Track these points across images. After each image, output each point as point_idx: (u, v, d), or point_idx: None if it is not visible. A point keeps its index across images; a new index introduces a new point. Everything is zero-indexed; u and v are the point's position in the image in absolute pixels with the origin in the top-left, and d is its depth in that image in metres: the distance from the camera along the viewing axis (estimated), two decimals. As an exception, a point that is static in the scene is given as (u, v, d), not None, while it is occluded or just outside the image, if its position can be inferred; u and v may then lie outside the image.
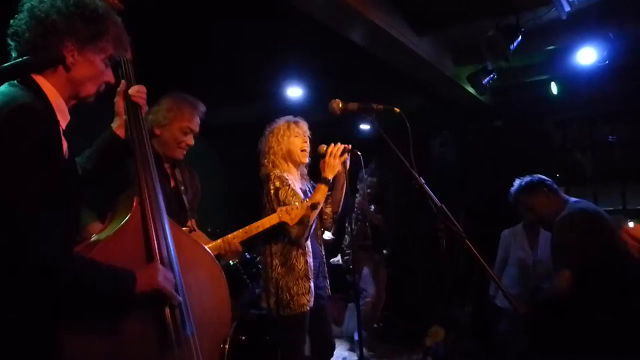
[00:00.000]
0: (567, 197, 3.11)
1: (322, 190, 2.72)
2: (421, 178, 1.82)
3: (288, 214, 2.58)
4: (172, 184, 2.50)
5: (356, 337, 4.96)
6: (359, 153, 2.77)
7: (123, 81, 1.74)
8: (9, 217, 1.23)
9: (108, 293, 1.41)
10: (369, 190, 4.97)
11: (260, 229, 2.58)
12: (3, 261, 1.26)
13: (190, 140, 2.48)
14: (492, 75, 4.42)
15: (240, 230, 2.56)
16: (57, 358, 1.36)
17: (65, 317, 1.38)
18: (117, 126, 1.76)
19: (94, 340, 1.45)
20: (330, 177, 2.71)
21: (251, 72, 4.56)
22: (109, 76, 1.54)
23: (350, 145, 2.77)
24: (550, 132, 5.61)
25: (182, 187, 2.51)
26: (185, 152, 2.48)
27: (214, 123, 6.17)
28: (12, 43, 1.41)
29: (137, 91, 1.78)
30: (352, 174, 2.83)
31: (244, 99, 5.52)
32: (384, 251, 5.48)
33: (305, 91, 5.10)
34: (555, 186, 3.13)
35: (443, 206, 1.79)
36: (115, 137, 1.75)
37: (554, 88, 4.83)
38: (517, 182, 3.24)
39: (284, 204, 2.67)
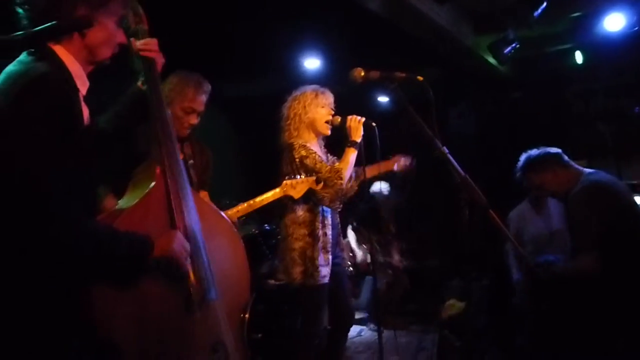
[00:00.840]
0: (581, 168, 2.88)
1: (351, 152, 2.73)
2: (445, 147, 1.79)
3: (293, 187, 2.63)
4: (181, 156, 2.51)
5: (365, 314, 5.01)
6: (373, 124, 2.75)
7: (132, 39, 1.67)
8: (27, 187, 1.24)
9: (125, 258, 1.42)
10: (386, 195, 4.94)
11: (264, 202, 2.64)
12: (22, 229, 1.27)
13: (194, 120, 2.48)
14: (514, 44, 4.31)
15: (245, 203, 2.61)
16: (86, 318, 1.39)
17: (92, 279, 1.41)
18: (142, 82, 1.71)
19: (121, 302, 1.48)
20: (357, 139, 2.73)
21: (268, 43, 4.51)
22: (122, 37, 1.54)
23: (364, 118, 2.78)
24: (572, 103, 5.48)
25: (191, 161, 2.52)
26: (188, 130, 2.48)
27: (231, 95, 6.18)
28: (21, 12, 1.39)
29: (145, 44, 1.69)
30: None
31: (261, 71, 5.48)
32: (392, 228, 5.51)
33: (322, 62, 5.04)
34: (566, 158, 2.89)
35: (467, 176, 1.76)
36: (141, 92, 1.70)
37: (578, 57, 4.70)
38: (523, 158, 3.00)
39: (313, 171, 2.69)
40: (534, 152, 2.96)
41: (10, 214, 1.26)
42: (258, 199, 2.61)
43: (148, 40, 1.70)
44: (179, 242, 1.54)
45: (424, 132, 1.79)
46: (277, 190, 2.63)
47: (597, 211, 2.61)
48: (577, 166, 2.90)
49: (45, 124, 1.26)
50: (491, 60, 4.79)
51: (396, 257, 5.14)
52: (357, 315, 5.08)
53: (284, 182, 2.63)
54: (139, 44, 1.68)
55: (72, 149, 1.32)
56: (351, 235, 4.97)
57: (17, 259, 1.29)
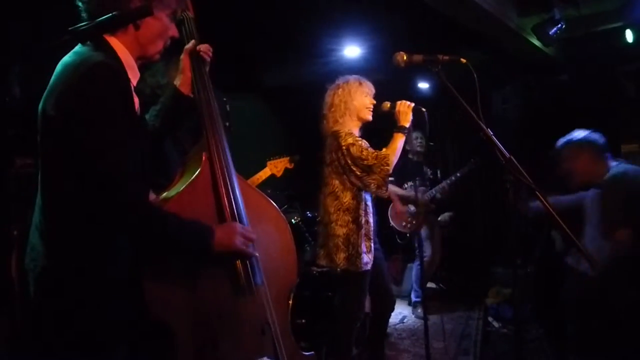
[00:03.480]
0: (612, 162, 2.96)
1: (400, 138, 2.75)
2: (489, 129, 1.76)
3: (275, 167, 3.09)
4: None
5: (414, 298, 4.99)
6: (423, 109, 2.74)
7: (193, 40, 1.76)
8: (98, 166, 1.30)
9: (189, 246, 1.48)
10: (419, 149, 4.85)
11: (259, 181, 2.92)
12: (90, 206, 1.34)
13: None
14: (560, 25, 4.18)
15: None
16: (139, 300, 1.45)
17: (147, 261, 1.46)
18: (181, 83, 1.76)
19: (174, 285, 1.53)
20: (406, 124, 2.75)
21: (309, 32, 4.52)
22: (174, 30, 1.58)
23: (413, 103, 2.78)
24: (623, 85, 5.25)
25: None
26: None
27: (270, 84, 6.23)
28: (81, 5, 1.45)
29: (208, 49, 1.80)
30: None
31: (300, 60, 5.50)
32: (447, 214, 5.43)
33: (362, 51, 5.01)
34: (606, 152, 2.96)
35: (512, 157, 1.73)
36: (179, 94, 1.76)
37: (629, 36, 4.49)
38: (567, 136, 3.09)
39: (359, 159, 2.71)
40: (580, 133, 3.02)
41: (80, 194, 1.33)
42: (254, 178, 2.92)
43: (208, 46, 1.80)
44: (240, 236, 1.55)
45: (467, 114, 1.77)
46: (266, 169, 3.06)
47: (627, 194, 2.75)
48: (610, 161, 2.97)
49: (109, 105, 1.32)
50: (536, 42, 4.65)
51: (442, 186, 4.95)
52: (400, 302, 5.11)
53: (269, 162, 3.08)
54: (203, 47, 1.78)
55: (132, 133, 1.37)
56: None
57: (83, 235, 1.37)
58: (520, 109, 5.77)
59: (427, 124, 2.74)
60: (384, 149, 2.77)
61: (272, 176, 3.29)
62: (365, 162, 2.69)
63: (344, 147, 2.74)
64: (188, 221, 1.47)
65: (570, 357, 3.36)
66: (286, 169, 3.33)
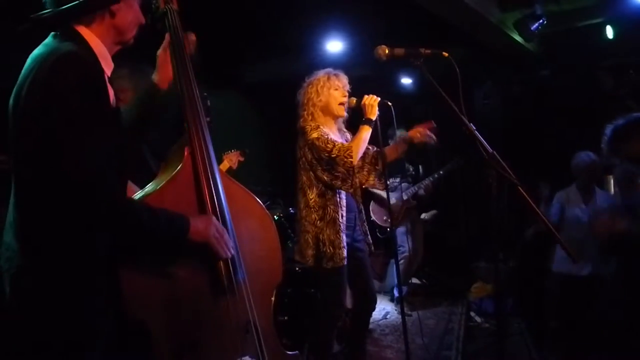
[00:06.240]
0: None
1: (365, 130, 2.70)
2: (472, 124, 1.75)
3: (231, 160, 3.30)
4: None
5: (396, 293, 4.98)
6: (389, 103, 2.71)
7: (167, 34, 1.72)
8: (67, 163, 1.26)
9: (164, 237, 1.44)
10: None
11: None
12: (62, 204, 1.30)
13: None
14: (541, 21, 4.21)
15: None
16: (116, 298, 1.41)
17: (124, 260, 1.42)
18: (159, 78, 1.73)
19: (152, 283, 1.49)
20: (372, 117, 2.70)
21: (291, 26, 4.48)
22: (142, 18, 1.55)
23: (379, 98, 2.74)
24: (602, 80, 5.31)
25: None
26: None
27: (252, 78, 6.17)
28: None
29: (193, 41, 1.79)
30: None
31: (282, 54, 5.45)
32: (432, 212, 5.44)
33: (345, 45, 4.99)
34: None
35: (494, 152, 1.72)
36: (155, 90, 1.73)
37: (609, 32, 4.53)
38: (609, 129, 2.75)
39: (325, 151, 2.67)
40: (620, 121, 2.73)
41: (53, 191, 1.29)
42: None
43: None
44: (215, 227, 1.53)
45: (450, 108, 1.76)
46: (224, 162, 3.28)
47: None
48: None
49: (78, 99, 1.27)
50: (518, 37, 4.67)
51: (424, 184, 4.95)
52: (383, 298, 5.12)
53: (224, 155, 3.29)
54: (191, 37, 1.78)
55: (105, 127, 1.33)
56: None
57: (58, 233, 1.33)
58: (501, 104, 5.80)
59: (393, 117, 2.69)
60: (348, 142, 2.74)
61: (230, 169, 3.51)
62: (329, 154, 2.65)
63: (309, 142, 2.71)
64: (162, 211, 1.43)
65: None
66: (258, 163, 3.47)
